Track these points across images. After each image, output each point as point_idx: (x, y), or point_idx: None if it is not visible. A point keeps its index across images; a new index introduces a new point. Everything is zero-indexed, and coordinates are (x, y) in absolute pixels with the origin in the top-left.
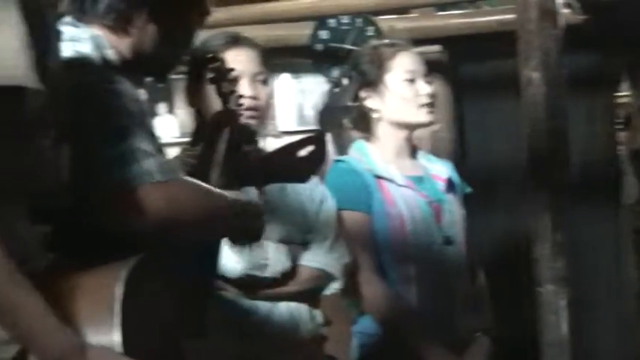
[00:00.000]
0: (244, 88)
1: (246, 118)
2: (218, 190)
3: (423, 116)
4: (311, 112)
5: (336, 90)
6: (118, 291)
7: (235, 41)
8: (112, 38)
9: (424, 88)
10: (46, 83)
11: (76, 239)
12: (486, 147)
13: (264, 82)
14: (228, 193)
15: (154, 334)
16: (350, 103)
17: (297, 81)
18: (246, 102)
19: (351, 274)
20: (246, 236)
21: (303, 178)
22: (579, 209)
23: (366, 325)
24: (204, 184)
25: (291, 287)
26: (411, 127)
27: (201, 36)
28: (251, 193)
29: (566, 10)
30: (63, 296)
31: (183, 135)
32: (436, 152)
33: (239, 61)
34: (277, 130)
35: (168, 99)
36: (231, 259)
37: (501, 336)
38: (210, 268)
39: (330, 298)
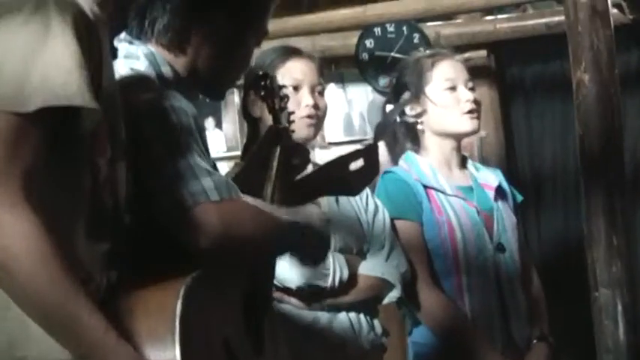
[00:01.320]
0: (305, 97)
1: (306, 126)
2: (276, 208)
3: (466, 124)
4: (358, 122)
5: (389, 104)
6: (178, 307)
7: (295, 52)
8: (168, 56)
9: (466, 95)
10: (100, 102)
11: (136, 257)
12: (536, 151)
13: (322, 92)
14: (288, 211)
15: (213, 350)
16: (398, 117)
17: (343, 91)
18: (306, 110)
19: (408, 282)
20: (312, 256)
21: (355, 191)
22: (636, 210)
23: (421, 334)
24: (261, 203)
25: (352, 296)
26: (455, 137)
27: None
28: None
29: (615, 10)
30: (124, 313)
31: (229, 149)
32: (485, 158)
33: (299, 71)
34: (325, 140)
35: (216, 114)
36: (292, 270)
37: (558, 343)
38: (267, 283)
39: (386, 308)
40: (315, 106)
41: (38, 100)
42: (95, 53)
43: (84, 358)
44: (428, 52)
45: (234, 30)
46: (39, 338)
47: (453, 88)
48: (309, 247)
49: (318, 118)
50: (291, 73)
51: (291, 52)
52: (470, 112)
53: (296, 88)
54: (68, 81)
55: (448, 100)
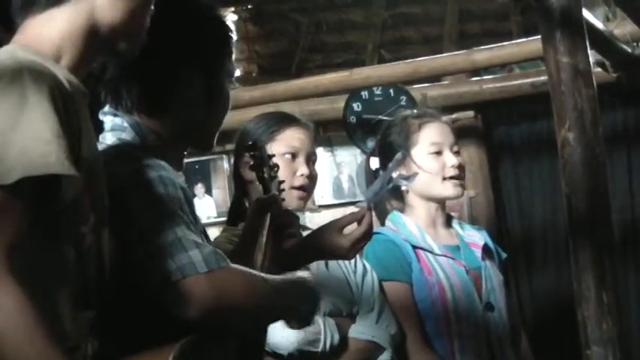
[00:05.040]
0: (301, 166)
1: (297, 198)
2: (265, 276)
3: (448, 190)
4: (347, 185)
5: (373, 156)
6: None
7: (293, 120)
8: (152, 122)
9: (451, 160)
10: (81, 170)
11: (122, 324)
12: (525, 209)
13: (315, 162)
14: (277, 278)
15: None
16: (391, 183)
17: (332, 154)
18: (300, 180)
19: (399, 344)
20: (300, 320)
21: (349, 256)
22: (626, 266)
23: None
24: (251, 271)
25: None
26: (437, 201)
27: (245, 115)
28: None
29: (599, 70)
30: None
31: (219, 215)
32: (475, 217)
33: (297, 139)
34: (315, 204)
35: (205, 180)
36: (283, 336)
37: None
38: (259, 350)
39: None
40: (310, 177)
41: (18, 171)
42: (73, 123)
43: None
44: (415, 112)
45: (208, 80)
46: None
47: (439, 153)
48: (298, 311)
49: (310, 189)
50: (290, 142)
51: (290, 120)
52: (453, 177)
53: (293, 156)
54: (46, 151)
55: (433, 165)
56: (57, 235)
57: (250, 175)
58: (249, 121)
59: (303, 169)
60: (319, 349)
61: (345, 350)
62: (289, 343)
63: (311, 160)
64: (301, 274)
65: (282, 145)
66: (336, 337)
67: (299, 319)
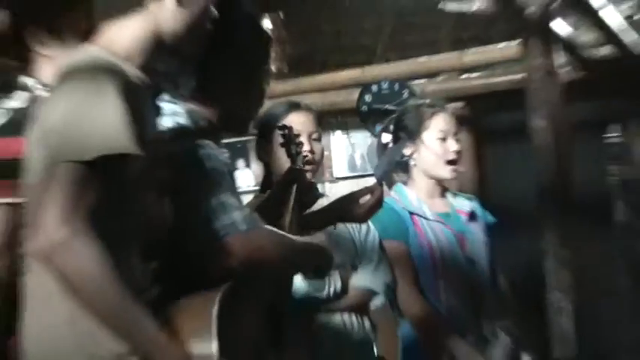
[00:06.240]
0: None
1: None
2: (292, 237)
3: (447, 173)
4: (359, 162)
5: (389, 147)
6: (214, 311)
7: (296, 106)
8: (203, 110)
9: (453, 146)
10: (144, 150)
11: (178, 273)
12: (504, 183)
13: (318, 139)
14: (300, 239)
15: (243, 347)
16: (398, 158)
17: (347, 136)
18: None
19: (393, 290)
20: (316, 274)
21: (363, 221)
22: (581, 229)
23: (408, 330)
24: (280, 232)
25: (344, 304)
26: (436, 178)
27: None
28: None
29: (567, 69)
30: (171, 318)
31: (257, 184)
32: (462, 189)
33: (298, 122)
34: (333, 176)
35: (245, 156)
36: (296, 285)
37: (521, 335)
38: (285, 294)
39: (382, 309)
40: (311, 151)
41: (95, 150)
42: (138, 111)
43: (139, 354)
44: (428, 101)
45: (248, 80)
46: (104, 339)
47: (444, 139)
48: (317, 266)
49: (315, 161)
50: (292, 124)
51: (292, 107)
52: (453, 162)
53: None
54: (117, 134)
55: (438, 148)
56: (126, 202)
57: (266, 157)
58: (264, 110)
59: (305, 147)
60: (324, 295)
61: (345, 295)
62: (299, 289)
63: (312, 138)
64: (319, 236)
65: None
66: (339, 285)
67: (315, 274)
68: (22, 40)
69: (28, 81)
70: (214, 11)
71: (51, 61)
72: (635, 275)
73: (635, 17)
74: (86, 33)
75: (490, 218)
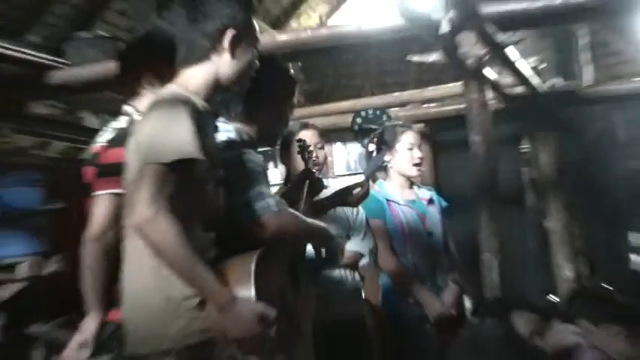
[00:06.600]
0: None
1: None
2: (305, 218)
3: (414, 172)
4: (353, 164)
5: (374, 155)
6: (253, 266)
7: (306, 126)
8: (245, 128)
9: (417, 154)
10: (205, 156)
11: (228, 241)
12: (451, 180)
13: (322, 148)
14: (311, 220)
15: (273, 291)
16: (381, 162)
17: (345, 147)
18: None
19: (375, 253)
20: (320, 245)
21: (354, 205)
22: (503, 212)
23: (385, 280)
24: (298, 214)
25: (341, 262)
26: (406, 177)
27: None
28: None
29: (494, 101)
30: (222, 270)
31: (282, 180)
32: (424, 183)
33: (308, 136)
34: (334, 174)
35: (274, 160)
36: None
37: (464, 284)
38: (302, 256)
39: (367, 266)
40: (317, 157)
41: (172, 155)
42: (202, 129)
43: (201, 295)
44: (400, 123)
45: (278, 108)
46: (177, 284)
47: (411, 149)
48: (323, 242)
49: (320, 163)
50: (304, 138)
51: (304, 126)
52: (417, 164)
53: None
54: (187, 145)
55: (407, 155)
56: (193, 192)
57: (286, 161)
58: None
59: (313, 154)
60: (324, 256)
61: (341, 257)
62: (310, 252)
63: (318, 147)
64: (325, 222)
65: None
66: (337, 251)
67: (321, 245)
68: (125, 82)
69: (128, 109)
70: (257, 63)
71: (144, 96)
72: (539, 242)
73: (539, 67)
74: (170, 77)
75: (444, 203)
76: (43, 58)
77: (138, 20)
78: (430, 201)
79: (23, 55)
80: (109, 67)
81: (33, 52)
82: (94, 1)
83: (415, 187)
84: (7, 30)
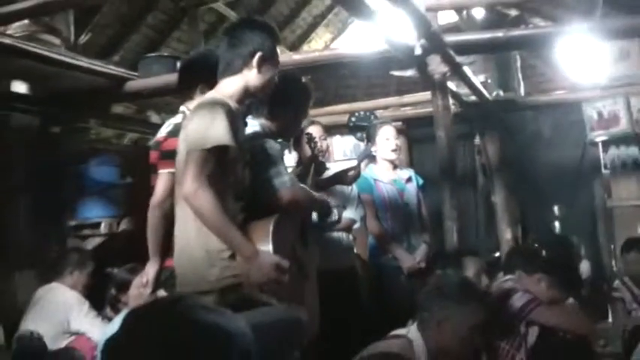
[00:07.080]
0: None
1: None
2: (312, 192)
3: (392, 156)
4: (348, 152)
5: (364, 145)
6: (271, 228)
7: (312, 122)
8: (269, 124)
9: (394, 142)
10: (237, 144)
11: (252, 209)
12: (423, 166)
13: (325, 139)
14: (315, 194)
15: (287, 247)
16: (369, 151)
17: (342, 138)
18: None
19: (364, 219)
20: (322, 213)
21: (349, 184)
22: (461, 190)
23: (371, 241)
24: (307, 189)
25: (339, 226)
26: (388, 160)
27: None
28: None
29: (454, 106)
30: (248, 230)
31: (295, 163)
32: (400, 165)
33: (315, 130)
34: (334, 159)
35: (289, 148)
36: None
37: (431, 243)
38: (309, 219)
39: (359, 229)
40: (321, 146)
41: (211, 143)
42: (234, 124)
43: (232, 248)
44: (380, 120)
45: (297, 112)
46: (214, 240)
47: (389, 139)
48: (322, 209)
49: (323, 151)
50: (311, 131)
51: (311, 122)
52: (394, 150)
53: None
54: (223, 135)
55: (386, 144)
56: (227, 171)
57: (299, 149)
58: None
59: (318, 144)
60: (328, 222)
61: (340, 222)
62: (315, 217)
63: (321, 139)
64: (327, 197)
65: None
66: (335, 217)
67: (323, 213)
68: (181, 90)
69: (182, 108)
70: (276, 78)
71: (194, 99)
72: (487, 212)
73: (487, 82)
74: (213, 86)
75: (420, 181)
76: (122, 72)
77: (191, 45)
78: (409, 179)
79: (108, 70)
80: (169, 79)
81: (115, 68)
82: (159, 31)
83: (398, 170)
84: (97, 52)
